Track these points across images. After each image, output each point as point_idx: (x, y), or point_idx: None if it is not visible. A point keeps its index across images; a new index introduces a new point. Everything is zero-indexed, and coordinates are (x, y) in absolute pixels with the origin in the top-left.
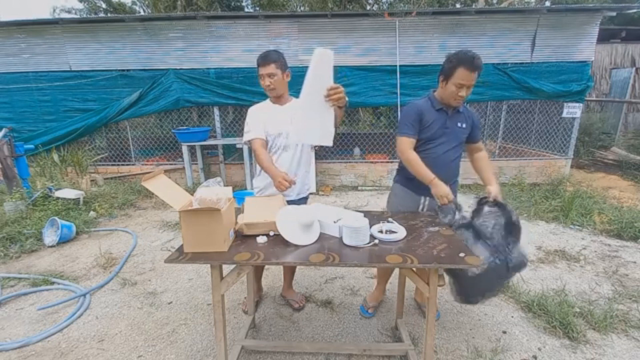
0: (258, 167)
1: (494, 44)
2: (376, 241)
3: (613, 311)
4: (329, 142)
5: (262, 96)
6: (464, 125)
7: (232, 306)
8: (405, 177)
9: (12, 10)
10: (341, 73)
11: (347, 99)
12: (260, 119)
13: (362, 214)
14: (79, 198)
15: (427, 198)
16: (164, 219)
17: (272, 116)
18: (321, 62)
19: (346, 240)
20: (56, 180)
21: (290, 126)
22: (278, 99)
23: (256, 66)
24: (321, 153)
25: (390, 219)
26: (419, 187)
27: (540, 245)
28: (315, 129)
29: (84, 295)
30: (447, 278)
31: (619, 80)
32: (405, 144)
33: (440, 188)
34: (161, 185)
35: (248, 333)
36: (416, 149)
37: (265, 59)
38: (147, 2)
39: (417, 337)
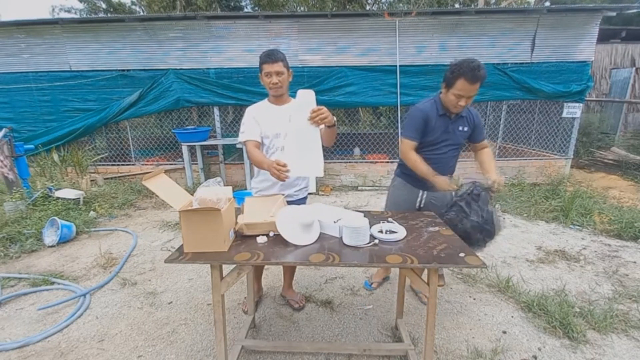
0: (256, 168)
1: (494, 44)
2: (376, 241)
3: (613, 311)
4: (319, 173)
5: (262, 96)
6: (465, 129)
7: (232, 306)
8: (406, 173)
9: (12, 10)
10: (341, 73)
11: (334, 118)
12: (257, 120)
13: (362, 214)
14: (79, 198)
15: (425, 192)
16: (164, 219)
17: (270, 117)
18: (305, 102)
19: (346, 240)
20: (56, 180)
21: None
22: (278, 99)
23: (259, 64)
24: None
25: (390, 219)
26: (418, 182)
27: (540, 245)
28: (305, 163)
29: (84, 295)
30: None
31: (619, 80)
32: (408, 146)
33: (442, 183)
34: (162, 184)
35: (248, 333)
36: (418, 150)
37: (273, 56)
38: (143, 3)
39: (417, 337)
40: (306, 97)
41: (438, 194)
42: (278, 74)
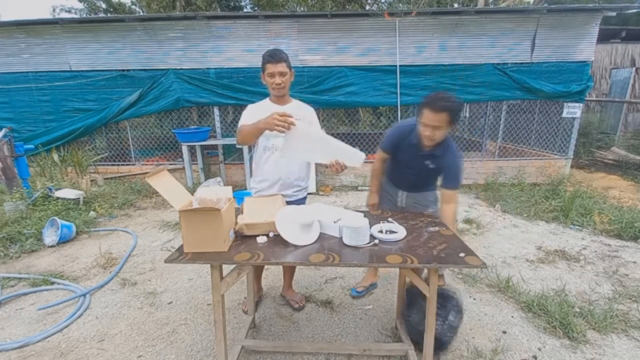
0: (254, 167)
1: (494, 44)
2: (376, 241)
3: (613, 311)
4: (359, 161)
5: (262, 96)
6: (431, 166)
7: (232, 306)
8: (389, 174)
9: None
10: (341, 73)
11: (345, 166)
12: (257, 116)
13: (362, 214)
14: (79, 198)
15: (404, 192)
16: (164, 219)
17: None
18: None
19: (346, 240)
20: (56, 180)
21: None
22: (280, 99)
23: (262, 63)
24: None
25: (390, 219)
26: (398, 182)
27: (540, 245)
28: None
29: (84, 295)
30: None
31: (619, 80)
32: (378, 155)
33: (370, 198)
34: (164, 183)
35: (248, 333)
36: (392, 160)
37: (276, 57)
38: (142, 3)
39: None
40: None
41: (418, 195)
42: (281, 74)
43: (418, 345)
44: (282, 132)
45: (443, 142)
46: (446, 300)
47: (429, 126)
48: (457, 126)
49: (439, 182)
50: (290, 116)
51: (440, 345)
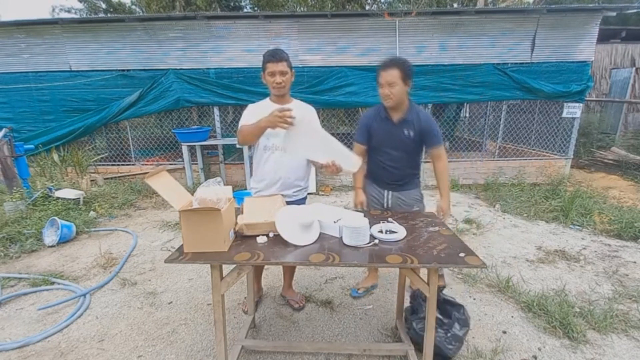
0: (253, 167)
1: (494, 44)
2: (376, 241)
3: (613, 311)
4: (355, 166)
5: (262, 96)
6: (410, 134)
7: (232, 306)
8: (370, 173)
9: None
10: (341, 73)
11: (342, 167)
12: (258, 116)
13: (362, 214)
14: (79, 198)
15: (390, 192)
16: (164, 219)
17: None
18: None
19: (346, 240)
20: (56, 180)
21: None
22: (280, 99)
23: (263, 63)
24: None
25: (390, 219)
26: (382, 182)
27: (540, 245)
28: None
29: (84, 295)
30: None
31: (619, 80)
32: (355, 149)
33: (356, 197)
34: (163, 183)
35: (248, 333)
36: (368, 154)
37: (277, 56)
38: (142, 3)
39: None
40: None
41: (403, 194)
42: (282, 73)
43: (419, 346)
44: (285, 128)
45: (410, 108)
46: (454, 309)
47: (385, 84)
48: (410, 82)
49: (425, 150)
50: (289, 110)
51: (443, 356)
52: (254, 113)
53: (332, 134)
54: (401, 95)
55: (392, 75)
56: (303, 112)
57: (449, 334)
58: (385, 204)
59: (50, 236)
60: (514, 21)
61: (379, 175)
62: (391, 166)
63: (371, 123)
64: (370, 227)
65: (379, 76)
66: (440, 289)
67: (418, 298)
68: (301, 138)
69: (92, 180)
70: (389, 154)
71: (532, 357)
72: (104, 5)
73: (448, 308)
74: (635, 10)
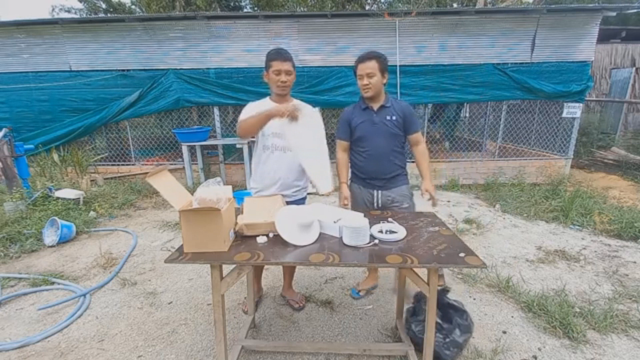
0: (252, 166)
1: (493, 44)
2: (376, 241)
3: (613, 311)
4: (327, 188)
5: (262, 96)
6: (393, 118)
7: (232, 306)
8: (356, 175)
9: (12, 10)
10: (341, 73)
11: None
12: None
13: (362, 214)
14: (79, 198)
15: (380, 191)
16: (164, 219)
17: None
18: (312, 120)
19: (346, 240)
20: (56, 180)
21: (288, 127)
22: (281, 98)
23: (267, 61)
24: None
25: (390, 219)
26: (369, 183)
27: (540, 245)
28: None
29: (84, 295)
30: None
31: (619, 80)
32: (339, 147)
33: (341, 192)
34: (165, 182)
35: (248, 333)
36: (352, 148)
37: (284, 55)
38: (142, 3)
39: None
40: (313, 116)
41: (393, 191)
42: (287, 72)
43: (419, 347)
44: (291, 118)
45: (388, 97)
46: (457, 314)
47: (363, 75)
48: (387, 75)
49: (405, 131)
50: (298, 109)
51: None
52: (254, 111)
53: (332, 134)
54: (379, 86)
55: (370, 66)
56: (312, 113)
57: (447, 339)
58: (375, 205)
59: (50, 236)
60: (514, 21)
61: (365, 170)
62: (376, 155)
63: (351, 117)
64: (370, 227)
65: (357, 69)
66: (445, 292)
67: (421, 300)
68: (302, 133)
69: (92, 180)
70: (372, 142)
71: (532, 357)
72: (104, 5)
73: (451, 312)
74: (635, 10)
